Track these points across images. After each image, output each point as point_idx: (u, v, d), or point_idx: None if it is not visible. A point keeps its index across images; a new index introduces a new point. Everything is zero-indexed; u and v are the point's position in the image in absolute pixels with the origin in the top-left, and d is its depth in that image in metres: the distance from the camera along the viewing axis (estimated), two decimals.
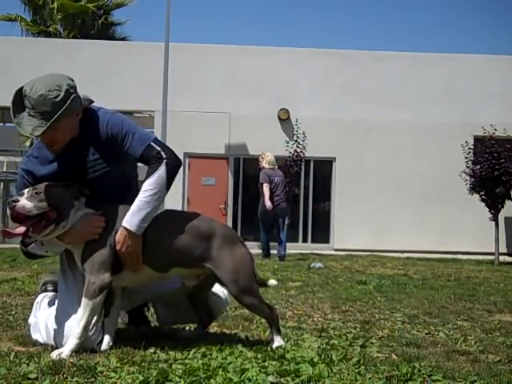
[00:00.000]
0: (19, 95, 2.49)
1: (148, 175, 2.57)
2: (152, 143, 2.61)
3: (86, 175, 2.62)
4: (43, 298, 2.87)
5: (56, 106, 2.44)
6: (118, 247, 2.53)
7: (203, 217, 2.72)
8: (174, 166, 2.60)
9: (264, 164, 9.43)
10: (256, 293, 2.69)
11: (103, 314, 2.67)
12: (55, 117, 2.43)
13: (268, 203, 8.82)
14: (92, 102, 2.72)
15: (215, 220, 2.79)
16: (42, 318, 2.72)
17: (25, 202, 2.44)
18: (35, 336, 2.73)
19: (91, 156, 2.62)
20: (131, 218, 2.53)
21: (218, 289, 2.93)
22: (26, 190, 2.49)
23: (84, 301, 2.51)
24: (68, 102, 2.47)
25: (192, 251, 2.60)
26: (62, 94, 2.47)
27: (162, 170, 2.56)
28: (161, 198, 2.60)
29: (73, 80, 2.61)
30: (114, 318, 2.75)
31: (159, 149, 2.59)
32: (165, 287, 2.81)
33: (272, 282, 2.88)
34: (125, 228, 2.53)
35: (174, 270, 2.66)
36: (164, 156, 2.58)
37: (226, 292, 2.93)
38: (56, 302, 2.73)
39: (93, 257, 2.54)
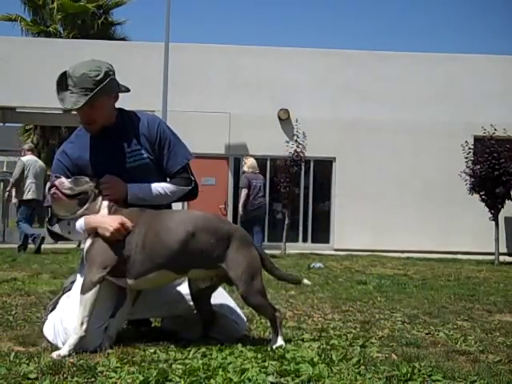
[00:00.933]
0: (63, 77, 2.73)
1: (174, 182, 2.89)
2: (187, 167, 2.97)
3: (125, 164, 2.80)
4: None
5: (95, 83, 2.68)
6: (104, 186, 2.70)
7: (221, 218, 2.87)
8: (191, 194, 2.96)
9: (245, 168, 9.65)
10: (264, 294, 2.74)
11: (108, 315, 2.68)
12: (95, 90, 2.67)
13: (240, 209, 9.34)
14: (128, 89, 3.00)
15: (231, 222, 2.85)
16: (53, 318, 2.74)
17: (64, 180, 2.65)
18: (46, 334, 2.73)
19: (133, 146, 2.82)
20: (137, 188, 2.77)
21: (237, 314, 2.97)
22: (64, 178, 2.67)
23: (79, 296, 2.56)
24: (106, 80, 2.72)
25: (212, 252, 2.65)
26: (102, 74, 2.71)
27: (183, 190, 2.90)
28: (163, 201, 2.86)
29: (112, 66, 2.83)
30: (119, 320, 2.77)
31: (192, 177, 2.97)
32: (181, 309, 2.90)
33: (306, 281, 3.02)
34: (127, 188, 2.75)
35: (192, 272, 2.70)
36: (192, 184, 2.95)
37: (244, 319, 3.01)
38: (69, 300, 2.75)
39: (95, 253, 2.59)
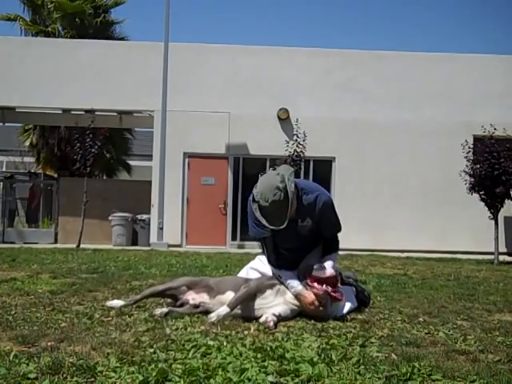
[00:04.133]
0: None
1: (335, 250, 3.87)
2: (337, 234, 3.88)
3: (298, 231, 3.67)
4: None
5: (283, 198, 3.41)
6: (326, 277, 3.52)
7: None
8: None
9: None
10: None
11: None
12: (289, 207, 3.42)
13: None
14: (296, 169, 3.76)
15: None
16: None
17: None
18: None
19: (305, 222, 3.68)
20: (332, 264, 3.65)
21: None
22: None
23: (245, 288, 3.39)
24: (288, 195, 3.41)
25: None
26: (283, 193, 3.40)
27: (338, 253, 3.90)
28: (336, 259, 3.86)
29: (277, 171, 3.56)
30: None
31: (338, 240, 3.89)
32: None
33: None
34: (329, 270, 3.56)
35: None
36: (338, 248, 3.90)
37: None
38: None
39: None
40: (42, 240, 12.79)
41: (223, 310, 3.30)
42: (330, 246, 3.84)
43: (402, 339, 2.94)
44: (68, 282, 5.05)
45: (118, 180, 19.09)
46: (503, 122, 10.67)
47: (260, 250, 4.07)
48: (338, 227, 3.86)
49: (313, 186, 3.81)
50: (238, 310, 3.39)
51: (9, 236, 13.04)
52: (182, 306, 3.64)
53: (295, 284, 3.53)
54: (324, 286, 3.42)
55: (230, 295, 3.48)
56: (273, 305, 3.40)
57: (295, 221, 3.64)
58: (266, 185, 3.42)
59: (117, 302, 3.75)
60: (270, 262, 3.79)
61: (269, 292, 3.44)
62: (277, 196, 3.36)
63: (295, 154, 11.31)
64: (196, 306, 3.57)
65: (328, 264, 3.61)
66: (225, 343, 2.72)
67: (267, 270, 3.81)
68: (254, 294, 3.41)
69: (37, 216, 14.76)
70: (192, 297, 3.62)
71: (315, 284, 3.42)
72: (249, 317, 3.36)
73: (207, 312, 3.52)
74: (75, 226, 11.93)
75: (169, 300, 3.82)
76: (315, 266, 3.51)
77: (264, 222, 3.42)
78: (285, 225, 3.41)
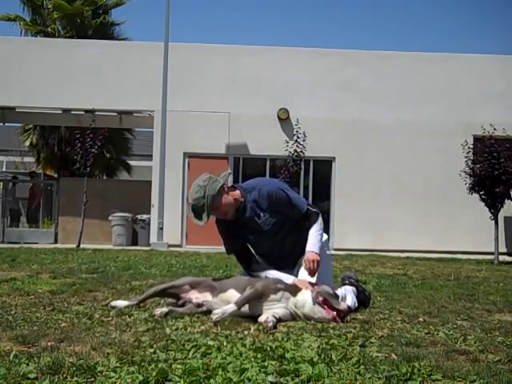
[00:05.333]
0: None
1: (314, 221, 3.87)
2: (308, 207, 3.87)
3: (262, 229, 3.76)
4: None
5: (203, 198, 3.55)
6: (307, 263, 3.68)
7: None
8: (322, 217, 3.96)
9: None
10: None
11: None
12: (207, 206, 3.55)
13: None
14: (229, 173, 3.92)
15: None
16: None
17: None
18: None
19: (262, 218, 3.75)
20: (314, 244, 3.78)
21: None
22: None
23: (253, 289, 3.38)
24: (208, 193, 3.54)
25: None
26: (202, 192, 3.56)
27: (320, 220, 3.92)
28: (322, 235, 3.93)
29: (211, 174, 3.70)
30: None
31: (314, 210, 3.89)
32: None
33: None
34: (312, 251, 3.72)
35: None
36: (319, 212, 3.92)
37: None
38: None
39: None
40: (42, 240, 12.79)
41: (230, 307, 3.29)
42: (309, 222, 3.86)
43: (401, 339, 2.93)
44: (68, 282, 5.05)
45: (117, 180, 19.11)
46: (503, 122, 10.68)
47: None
48: (300, 206, 3.82)
49: (253, 183, 3.85)
50: (245, 310, 3.39)
51: (9, 236, 13.04)
52: (183, 305, 3.63)
53: (284, 278, 3.71)
54: (334, 312, 3.39)
55: (232, 293, 3.48)
56: (275, 307, 3.40)
57: (253, 220, 3.74)
58: (193, 185, 3.66)
59: (121, 302, 3.75)
60: (251, 270, 3.87)
61: (273, 297, 3.43)
62: (198, 193, 3.57)
63: (295, 154, 11.32)
64: (199, 305, 3.57)
65: (340, 292, 3.68)
66: (225, 343, 2.72)
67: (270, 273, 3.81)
68: (260, 296, 3.40)
69: (37, 216, 14.79)
70: (195, 296, 3.62)
71: (326, 306, 3.41)
72: (253, 316, 3.35)
73: (210, 311, 3.52)
74: (75, 226, 11.93)
75: (169, 300, 3.82)
76: (331, 292, 3.49)
77: (192, 218, 3.63)
78: (204, 221, 3.58)
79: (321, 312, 3.38)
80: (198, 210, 3.59)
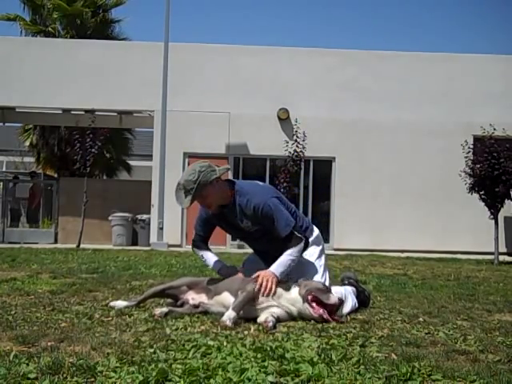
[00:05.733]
0: (178, 186, 3.61)
1: (292, 245, 3.63)
2: (293, 230, 3.65)
3: (244, 230, 3.74)
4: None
5: (194, 182, 3.53)
6: (260, 278, 3.46)
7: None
8: (305, 243, 3.77)
9: None
10: None
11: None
12: (194, 189, 3.52)
13: None
14: (228, 168, 3.86)
15: None
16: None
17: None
18: None
19: (244, 223, 3.71)
20: (277, 267, 3.57)
21: None
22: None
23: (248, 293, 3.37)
24: (199, 177, 3.53)
25: None
26: (196, 175, 3.54)
27: (300, 246, 3.67)
28: (296, 262, 3.65)
29: (207, 162, 3.68)
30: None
31: (299, 235, 3.67)
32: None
33: None
34: (271, 271, 3.53)
35: None
36: (302, 238, 3.70)
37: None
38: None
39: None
40: (42, 240, 12.79)
41: (231, 313, 3.27)
42: (288, 243, 3.67)
43: (402, 339, 2.93)
44: (68, 282, 5.05)
45: (118, 180, 19.11)
46: (503, 122, 10.68)
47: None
48: (284, 228, 3.63)
49: (247, 189, 3.73)
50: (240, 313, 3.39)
51: (9, 236, 13.04)
52: (182, 305, 3.64)
53: (211, 261, 3.90)
54: (322, 310, 3.34)
55: (226, 296, 3.49)
56: (270, 307, 3.39)
57: (236, 221, 3.73)
58: (190, 167, 3.69)
59: (120, 303, 3.75)
60: (195, 246, 4.01)
61: (264, 297, 3.42)
62: (191, 176, 3.55)
63: (295, 154, 11.32)
64: (196, 306, 3.58)
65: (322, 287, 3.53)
66: (225, 343, 2.72)
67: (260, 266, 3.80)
68: (253, 298, 3.39)
69: (37, 216, 14.80)
70: (192, 297, 3.63)
71: (314, 304, 3.37)
72: (249, 318, 3.36)
73: (207, 312, 3.52)
74: (75, 226, 11.93)
75: (169, 300, 3.82)
76: (321, 287, 3.46)
77: (175, 197, 3.62)
78: (185, 205, 3.57)
79: (308, 310, 3.37)
80: (184, 192, 3.56)
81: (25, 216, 15.59)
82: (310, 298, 3.38)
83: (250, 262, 4.08)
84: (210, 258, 3.93)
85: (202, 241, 3.97)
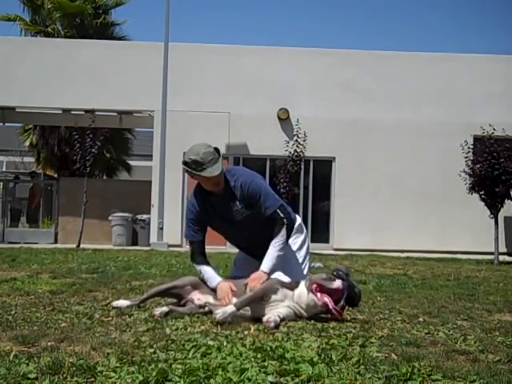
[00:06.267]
0: (187, 164, 3.66)
1: (275, 234, 3.65)
2: (278, 210, 3.67)
3: (235, 219, 3.70)
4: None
5: (214, 153, 3.62)
6: (251, 283, 3.49)
7: None
8: (290, 228, 3.75)
9: None
10: None
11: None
12: (220, 158, 3.62)
13: None
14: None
15: None
16: None
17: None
18: None
19: (237, 205, 3.69)
20: (266, 263, 3.61)
21: None
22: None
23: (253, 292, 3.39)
24: (220, 153, 3.64)
25: None
26: (212, 147, 3.66)
27: (284, 232, 3.66)
28: (284, 249, 3.68)
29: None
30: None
31: (282, 215, 3.67)
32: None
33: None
34: (262, 270, 3.58)
35: None
36: (285, 222, 3.68)
37: None
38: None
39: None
40: (42, 240, 12.79)
41: (230, 308, 3.28)
42: (271, 230, 3.65)
43: (402, 339, 2.93)
44: (68, 282, 5.05)
45: (117, 180, 19.11)
46: (503, 122, 10.68)
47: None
48: (271, 205, 3.67)
49: (234, 171, 3.82)
50: (246, 312, 3.38)
51: (9, 236, 13.04)
52: (184, 305, 3.64)
53: (213, 281, 3.64)
54: (326, 298, 3.36)
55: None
56: (279, 307, 3.39)
57: (228, 205, 3.70)
58: (195, 146, 3.71)
59: (123, 302, 3.75)
60: (194, 261, 3.81)
61: (274, 297, 3.43)
62: (206, 149, 3.60)
63: (295, 154, 11.31)
64: (201, 307, 3.57)
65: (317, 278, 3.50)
66: (225, 343, 2.72)
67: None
68: (261, 298, 3.40)
69: (37, 216, 14.80)
70: (198, 297, 3.62)
71: (318, 294, 3.38)
72: (256, 317, 3.35)
73: (207, 312, 3.52)
74: (75, 226, 11.94)
75: (169, 300, 3.82)
76: (324, 276, 3.48)
77: (200, 173, 3.57)
78: (218, 172, 3.55)
79: (314, 300, 3.38)
80: (207, 163, 3.56)
81: (25, 216, 15.59)
82: (314, 287, 3.41)
83: (241, 259, 4.09)
84: (211, 276, 3.71)
85: (199, 248, 3.80)
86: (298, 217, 4.06)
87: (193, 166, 3.62)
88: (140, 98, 12.60)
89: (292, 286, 3.49)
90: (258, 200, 3.65)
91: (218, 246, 11.47)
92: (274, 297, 3.41)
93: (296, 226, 3.94)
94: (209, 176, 3.57)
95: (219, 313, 3.23)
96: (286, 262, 3.77)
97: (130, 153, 20.67)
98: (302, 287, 3.45)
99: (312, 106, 12.53)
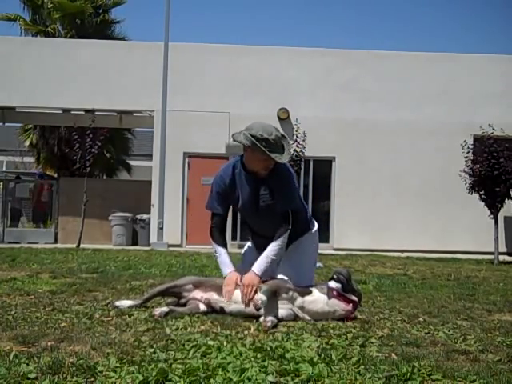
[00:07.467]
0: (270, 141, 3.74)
1: (277, 237, 3.61)
2: (289, 211, 3.66)
3: (258, 203, 3.69)
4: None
5: (286, 140, 3.81)
6: (244, 288, 3.42)
7: None
8: (289, 233, 3.66)
9: None
10: None
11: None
12: (289, 147, 3.79)
13: None
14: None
15: None
16: None
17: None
18: None
19: (262, 190, 3.68)
20: (260, 265, 3.56)
21: None
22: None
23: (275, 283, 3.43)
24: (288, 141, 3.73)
25: None
26: (281, 134, 3.79)
27: (285, 236, 3.63)
28: (281, 252, 3.65)
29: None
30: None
31: (288, 222, 3.63)
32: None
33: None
34: (254, 271, 3.52)
35: None
36: (288, 226, 3.65)
37: None
38: None
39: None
40: (42, 240, 12.79)
41: (262, 296, 3.28)
42: (278, 228, 3.64)
43: (402, 339, 2.93)
44: (68, 282, 5.05)
45: (117, 180, 19.10)
46: (503, 122, 10.67)
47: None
48: (291, 202, 3.68)
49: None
50: (252, 310, 3.38)
51: (9, 236, 13.04)
52: (185, 304, 3.63)
53: (224, 268, 3.65)
54: (350, 305, 3.43)
55: (237, 292, 3.50)
56: (281, 307, 3.40)
57: (259, 186, 3.70)
58: (264, 124, 3.85)
59: (125, 302, 3.75)
60: (212, 237, 3.78)
61: (284, 296, 3.43)
62: (278, 133, 3.71)
63: (295, 153, 11.29)
64: (207, 305, 3.56)
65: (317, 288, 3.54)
66: (225, 343, 2.72)
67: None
68: (275, 293, 3.41)
69: (43, 216, 14.71)
70: (201, 295, 3.61)
71: (341, 299, 3.44)
72: (272, 314, 3.36)
73: (216, 311, 3.52)
74: (75, 226, 11.94)
75: (169, 300, 3.82)
76: (341, 286, 3.48)
77: (271, 154, 3.58)
78: (287, 160, 3.64)
79: (338, 305, 3.42)
80: (275, 144, 3.65)
81: (25, 216, 15.57)
82: (335, 293, 3.44)
83: (248, 254, 4.09)
84: (223, 261, 3.71)
85: (220, 224, 3.80)
86: (315, 223, 4.06)
87: (264, 144, 3.64)
88: (140, 97, 12.60)
89: (303, 292, 3.48)
90: (281, 191, 3.65)
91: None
92: (284, 295, 3.43)
93: (313, 231, 3.98)
94: (277, 161, 3.57)
95: (268, 321, 3.19)
96: (302, 264, 3.78)
97: (130, 153, 20.67)
98: (318, 294, 3.45)
99: (312, 106, 12.53)
